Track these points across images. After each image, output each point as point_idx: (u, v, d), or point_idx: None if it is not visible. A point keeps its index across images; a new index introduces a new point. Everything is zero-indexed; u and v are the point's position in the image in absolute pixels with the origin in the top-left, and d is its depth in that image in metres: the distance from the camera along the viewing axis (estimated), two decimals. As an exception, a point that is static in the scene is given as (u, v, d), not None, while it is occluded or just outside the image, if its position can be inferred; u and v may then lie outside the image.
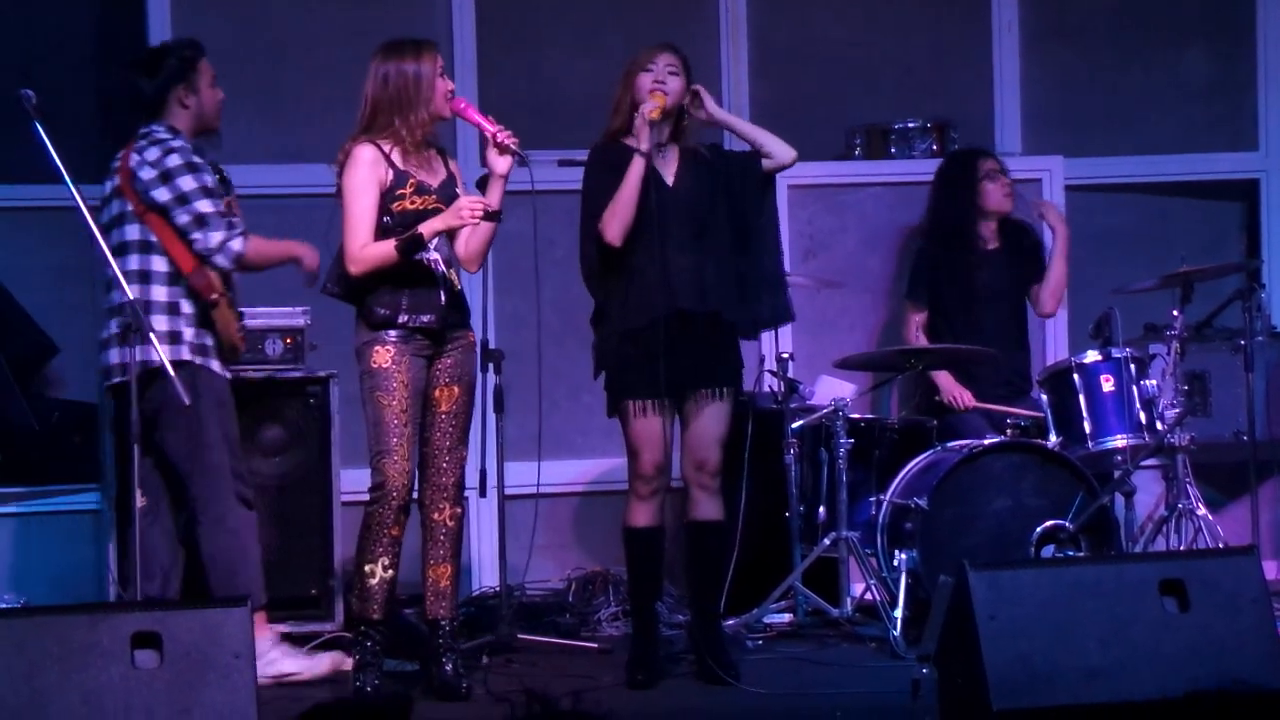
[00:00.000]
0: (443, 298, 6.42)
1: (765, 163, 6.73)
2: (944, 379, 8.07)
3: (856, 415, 7.76)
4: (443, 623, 6.53)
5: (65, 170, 5.96)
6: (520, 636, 7.29)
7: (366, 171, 6.39)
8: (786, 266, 8.04)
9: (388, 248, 6.36)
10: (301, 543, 7.01)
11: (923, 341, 8.16)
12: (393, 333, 6.39)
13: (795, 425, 7.63)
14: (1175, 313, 7.82)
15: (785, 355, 7.73)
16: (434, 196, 6.45)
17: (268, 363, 7.33)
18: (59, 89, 7.90)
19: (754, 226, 6.71)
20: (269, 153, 7.98)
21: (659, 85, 6.61)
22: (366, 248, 6.38)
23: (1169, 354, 7.79)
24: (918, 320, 8.26)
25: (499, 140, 6.43)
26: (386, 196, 6.42)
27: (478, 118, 6.52)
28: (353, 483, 6.95)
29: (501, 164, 6.45)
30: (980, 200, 8.20)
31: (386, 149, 6.42)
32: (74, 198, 5.96)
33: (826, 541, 7.50)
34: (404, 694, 6.16)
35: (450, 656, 6.51)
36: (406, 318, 6.39)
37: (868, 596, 7.51)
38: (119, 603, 6.79)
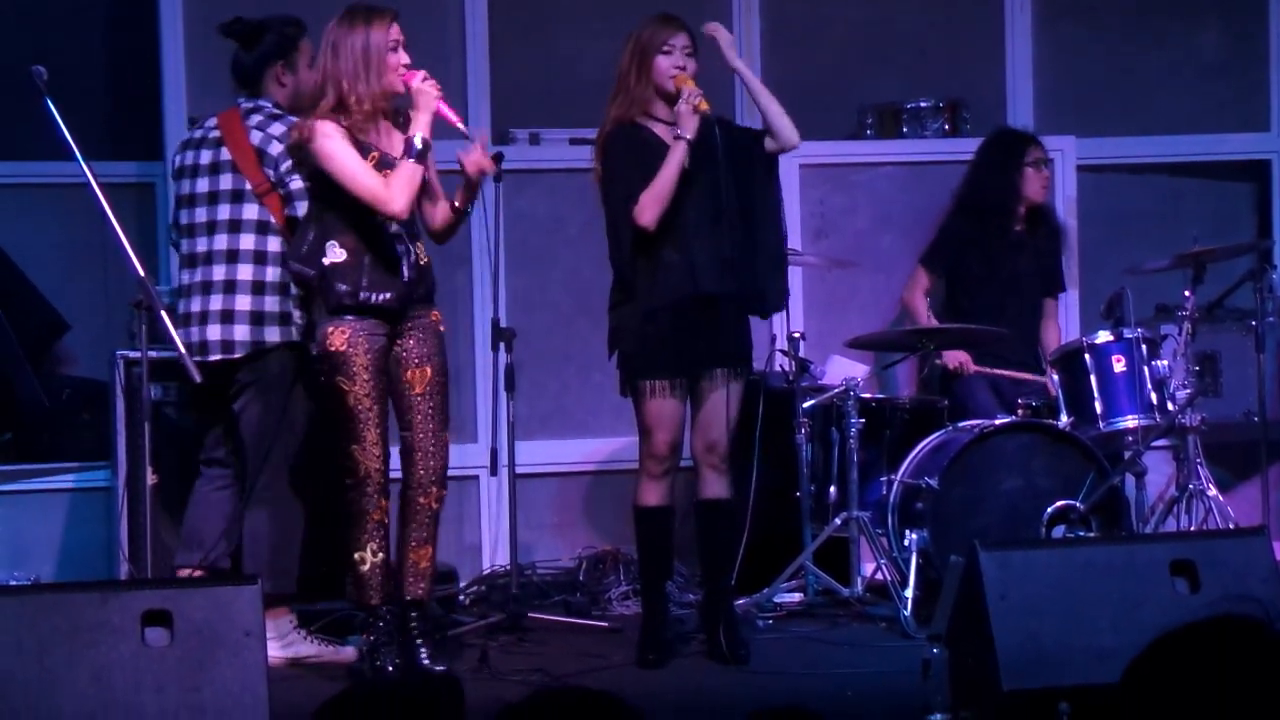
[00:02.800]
0: (406, 273, 6.26)
1: (768, 143, 6.63)
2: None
3: (867, 395, 7.76)
4: (421, 605, 6.42)
5: (76, 147, 5.94)
6: (531, 615, 7.29)
7: (340, 138, 6.15)
8: (798, 247, 8.06)
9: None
10: (313, 521, 6.99)
11: (924, 306, 8.18)
12: (349, 314, 6.20)
13: (806, 405, 7.62)
14: (1187, 293, 7.81)
15: (796, 335, 7.72)
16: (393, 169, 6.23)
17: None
18: (70, 65, 7.89)
19: (760, 207, 6.64)
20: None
21: (680, 69, 6.53)
22: (390, 184, 6.15)
23: (1180, 334, 7.78)
24: (925, 285, 8.26)
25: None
26: None
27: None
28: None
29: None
30: (1020, 185, 8.21)
31: (345, 123, 6.17)
32: (85, 174, 5.93)
33: (837, 521, 7.50)
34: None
35: (431, 636, 6.44)
36: (365, 295, 6.19)
37: (878, 576, 7.50)
38: (129, 580, 6.79)
